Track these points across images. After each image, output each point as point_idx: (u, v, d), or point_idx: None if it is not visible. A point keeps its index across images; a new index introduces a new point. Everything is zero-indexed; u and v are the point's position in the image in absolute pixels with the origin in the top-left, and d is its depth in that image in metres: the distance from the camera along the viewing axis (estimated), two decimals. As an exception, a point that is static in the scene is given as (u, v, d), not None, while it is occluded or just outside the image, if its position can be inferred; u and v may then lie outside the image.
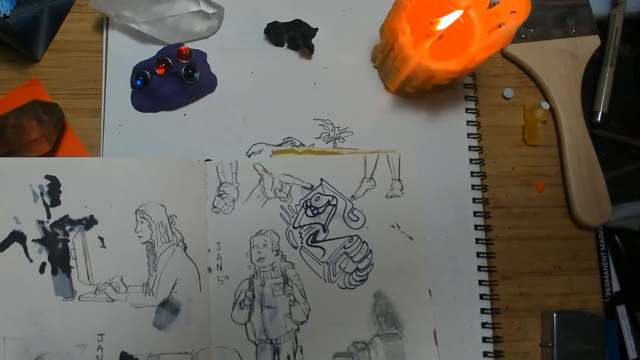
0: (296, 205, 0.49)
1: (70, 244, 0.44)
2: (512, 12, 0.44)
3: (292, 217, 0.49)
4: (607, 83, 0.58)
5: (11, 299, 0.43)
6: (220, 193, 0.49)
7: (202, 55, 0.53)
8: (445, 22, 0.47)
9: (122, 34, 0.53)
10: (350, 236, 0.49)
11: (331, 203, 0.49)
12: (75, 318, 0.43)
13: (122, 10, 0.50)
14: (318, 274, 0.48)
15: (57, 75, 0.52)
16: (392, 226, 0.50)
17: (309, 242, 0.49)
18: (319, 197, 0.49)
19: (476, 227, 0.51)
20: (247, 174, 0.49)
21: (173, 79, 0.51)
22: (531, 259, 0.52)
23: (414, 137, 0.53)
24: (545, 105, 0.55)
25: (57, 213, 0.44)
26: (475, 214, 0.51)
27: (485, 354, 0.49)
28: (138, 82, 0.51)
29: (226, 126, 0.52)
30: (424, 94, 0.53)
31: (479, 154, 0.53)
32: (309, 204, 0.49)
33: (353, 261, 0.48)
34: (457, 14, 0.47)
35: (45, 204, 0.44)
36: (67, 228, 0.44)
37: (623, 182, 0.58)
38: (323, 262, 0.48)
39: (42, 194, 0.44)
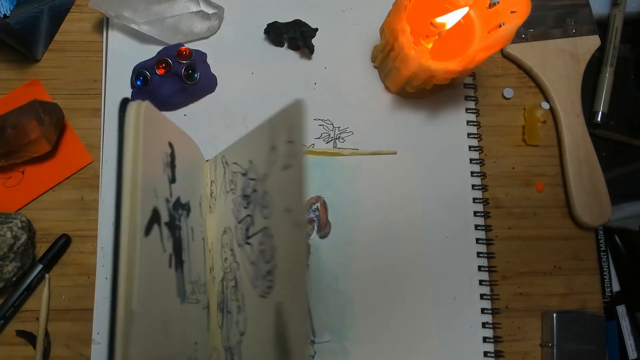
0: (239, 196, 0.40)
1: (182, 233, 0.35)
2: (512, 12, 0.44)
3: (238, 211, 0.40)
4: (607, 83, 0.58)
5: (151, 307, 0.30)
6: (211, 192, 0.48)
7: (202, 56, 0.52)
8: (451, 20, 0.47)
9: (122, 34, 0.53)
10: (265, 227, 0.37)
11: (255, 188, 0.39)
12: (187, 326, 0.34)
13: (122, 11, 0.50)
14: (249, 275, 0.38)
15: (57, 75, 0.52)
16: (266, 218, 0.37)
17: (245, 239, 0.39)
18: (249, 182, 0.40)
19: (476, 227, 0.51)
20: (219, 168, 0.44)
21: (173, 79, 0.51)
22: (531, 259, 0.52)
23: (414, 137, 0.53)
24: (545, 105, 0.55)
25: (174, 192, 0.34)
26: (475, 214, 0.51)
27: (485, 354, 0.49)
28: (138, 83, 0.51)
29: (226, 126, 0.52)
30: (424, 94, 0.53)
31: (479, 154, 0.53)
32: (245, 192, 0.39)
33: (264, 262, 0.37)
34: (462, 11, 0.47)
35: (168, 177, 0.33)
36: (180, 212, 0.35)
37: (623, 182, 0.58)
38: (251, 262, 0.38)
39: (167, 164, 0.33)
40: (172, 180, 0.33)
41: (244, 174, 0.38)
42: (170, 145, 0.33)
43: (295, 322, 0.30)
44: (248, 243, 0.38)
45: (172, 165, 0.34)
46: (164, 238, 0.32)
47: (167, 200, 0.33)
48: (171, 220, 0.33)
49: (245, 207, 0.38)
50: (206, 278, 0.39)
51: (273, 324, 0.32)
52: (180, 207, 0.35)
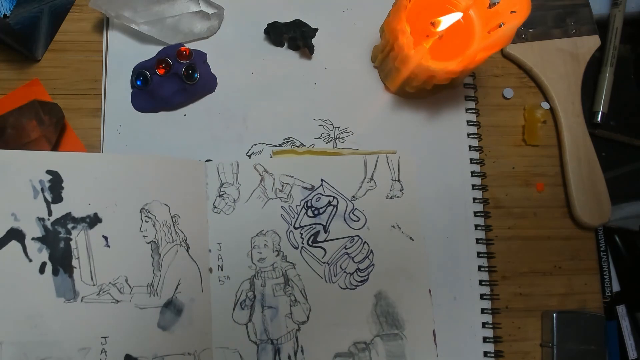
0: (297, 205, 0.49)
1: (72, 243, 0.42)
2: (512, 12, 0.44)
3: (293, 218, 0.49)
4: (607, 83, 0.58)
5: (9, 301, 0.40)
6: (221, 193, 0.49)
7: (202, 56, 0.53)
8: (444, 24, 0.47)
9: (122, 34, 0.53)
10: (351, 236, 0.49)
11: (332, 203, 0.49)
12: (77, 321, 0.41)
13: (122, 11, 0.50)
14: (319, 274, 0.48)
15: (57, 75, 0.52)
16: (393, 226, 0.50)
17: (310, 243, 0.49)
18: (319, 197, 0.49)
19: (476, 227, 0.51)
20: (248, 174, 0.49)
21: (173, 80, 0.51)
22: (531, 259, 0.52)
23: (414, 137, 0.53)
24: (545, 105, 0.55)
25: (58, 210, 0.43)
26: (475, 214, 0.51)
27: (485, 354, 0.49)
28: (138, 83, 0.51)
29: (226, 126, 0.52)
30: (424, 94, 0.53)
31: (479, 154, 0.53)
32: (309, 204, 0.49)
33: (354, 261, 0.48)
34: (456, 16, 0.47)
35: (46, 200, 0.42)
36: (70, 226, 0.43)
37: (623, 182, 0.58)
38: (324, 263, 0.48)
39: (42, 189, 0.42)
40: (55, 200, 0.43)
41: (307, 188, 0.49)
42: (51, 172, 0.43)
43: (401, 300, 0.48)
44: (318, 247, 0.49)
45: (53, 188, 0.43)
46: (28, 250, 0.41)
47: (41, 219, 0.42)
48: (47, 235, 0.42)
49: (311, 217, 0.49)
50: (162, 280, 0.44)
51: (372, 306, 0.48)
52: (71, 220, 0.43)
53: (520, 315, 0.50)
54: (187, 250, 0.46)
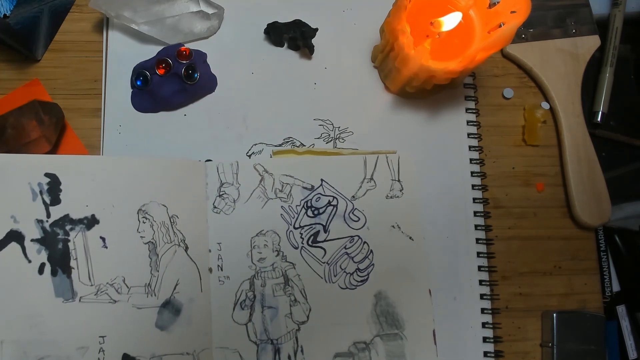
0: (297, 205, 0.49)
1: (70, 244, 0.43)
2: (512, 12, 0.44)
3: (293, 218, 0.49)
4: (607, 83, 0.58)
5: (9, 301, 0.41)
6: (221, 193, 0.49)
7: (202, 56, 0.53)
8: (448, 25, 0.47)
9: (122, 34, 0.53)
10: (351, 236, 0.49)
11: (332, 203, 0.49)
12: (75, 320, 0.42)
13: (122, 11, 0.50)
14: (319, 274, 0.48)
15: (57, 75, 0.52)
16: (393, 226, 0.50)
17: (310, 243, 0.49)
18: (319, 197, 0.49)
19: (476, 227, 0.51)
20: (248, 174, 0.49)
21: (173, 80, 0.51)
22: (531, 259, 0.52)
23: (414, 137, 0.53)
24: (545, 105, 0.55)
25: (57, 212, 0.43)
26: (475, 214, 0.51)
27: (485, 354, 0.49)
28: (138, 83, 0.51)
29: (226, 126, 0.52)
30: (424, 94, 0.53)
31: (479, 154, 0.53)
32: (309, 204, 0.49)
33: (354, 261, 0.48)
34: (457, 16, 0.47)
35: (44, 202, 0.43)
36: (68, 228, 0.43)
37: (623, 182, 0.58)
38: (324, 263, 0.48)
39: (41, 192, 0.43)
40: (53, 202, 0.44)
41: (307, 188, 0.49)
42: (50, 175, 0.44)
43: (402, 300, 0.48)
44: (318, 247, 0.49)
45: (51, 191, 0.44)
46: (27, 251, 0.42)
47: (40, 221, 0.43)
48: (46, 236, 0.43)
49: (311, 217, 0.49)
50: (160, 280, 0.45)
51: (372, 306, 0.48)
52: (69, 222, 0.44)
53: (520, 315, 0.50)
54: (186, 251, 0.46)
